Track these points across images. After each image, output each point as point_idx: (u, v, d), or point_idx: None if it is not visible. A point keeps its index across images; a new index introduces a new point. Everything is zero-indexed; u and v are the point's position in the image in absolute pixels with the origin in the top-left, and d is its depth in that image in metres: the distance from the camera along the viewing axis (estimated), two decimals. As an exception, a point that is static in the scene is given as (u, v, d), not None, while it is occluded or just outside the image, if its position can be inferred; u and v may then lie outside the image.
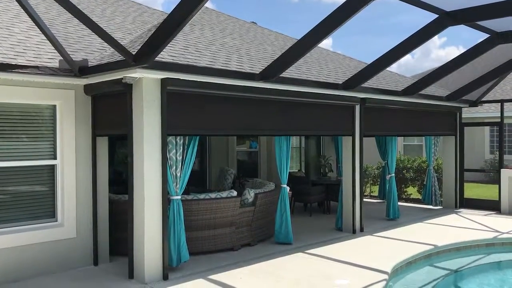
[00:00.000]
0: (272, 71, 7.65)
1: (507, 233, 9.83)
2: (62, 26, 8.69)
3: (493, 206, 12.73)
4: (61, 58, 7.02)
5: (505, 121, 14.60)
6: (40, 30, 6.98)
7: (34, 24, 7.14)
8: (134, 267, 6.74)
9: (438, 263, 8.27)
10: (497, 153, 17.14)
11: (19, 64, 6.54)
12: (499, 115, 13.09)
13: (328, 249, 8.42)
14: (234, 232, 8.40)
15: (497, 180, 13.00)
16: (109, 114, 7.27)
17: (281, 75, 7.84)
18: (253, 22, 14.91)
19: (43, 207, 7.14)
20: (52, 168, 7.20)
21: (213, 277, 6.81)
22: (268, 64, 7.86)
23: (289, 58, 7.49)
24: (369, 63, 9.29)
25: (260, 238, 8.98)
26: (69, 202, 7.23)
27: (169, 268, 6.89)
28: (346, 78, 9.50)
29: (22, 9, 7.20)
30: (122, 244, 7.37)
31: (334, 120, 9.53)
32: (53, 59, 7.16)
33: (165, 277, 6.71)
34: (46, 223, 7.08)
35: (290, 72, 8.55)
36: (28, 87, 6.79)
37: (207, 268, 7.22)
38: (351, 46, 71.58)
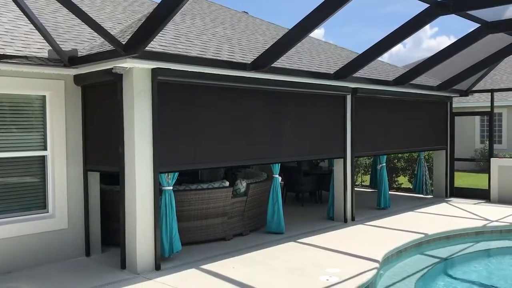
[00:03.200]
0: (264, 61, 7.62)
1: (496, 221, 9.94)
2: (51, 15, 8.59)
3: (483, 195, 12.86)
4: (50, 48, 6.94)
5: (495, 110, 14.70)
6: (29, 20, 6.89)
7: (22, 13, 7.05)
8: (126, 258, 6.74)
9: (429, 251, 8.36)
10: (487, 142, 17.27)
11: (8, 54, 6.46)
12: (489, 105, 13.18)
13: (319, 238, 8.47)
14: (226, 222, 8.42)
15: (487, 169, 13.12)
16: (100, 105, 7.22)
17: (272, 65, 7.82)
18: (244, 11, 14.83)
19: (34, 198, 7.11)
20: (43, 159, 7.16)
21: (205, 267, 6.83)
22: (260, 54, 7.83)
23: (281, 48, 7.47)
24: (360, 53, 9.29)
25: (252, 228, 9.02)
26: (60, 193, 7.20)
27: (162, 258, 6.90)
28: (338, 68, 9.50)
29: (10, -2, 7.10)
30: (115, 234, 7.37)
31: (326, 113, 9.53)
32: (42, 49, 7.08)
33: (157, 267, 6.72)
34: (37, 214, 7.05)
35: (281, 62, 8.53)
36: (17, 77, 6.72)
37: (199, 258, 7.24)
38: (344, 36, 71.56)
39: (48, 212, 7.16)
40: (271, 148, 8.49)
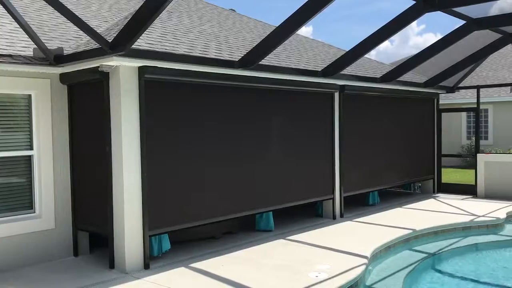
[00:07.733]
0: (252, 58, 7.61)
1: (483, 216, 10.05)
2: (36, 13, 8.50)
3: (469, 190, 13.00)
4: (36, 46, 6.87)
5: (481, 107, 14.84)
6: (13, 18, 6.80)
7: (6, 11, 6.96)
8: (115, 257, 6.70)
9: (417, 246, 8.41)
10: (474, 138, 17.42)
11: (-8, 52, 6.39)
12: (476, 101, 13.31)
13: (308, 235, 8.49)
14: (215, 220, 8.40)
15: (473, 165, 13.25)
16: (86, 103, 7.16)
17: (260, 63, 7.81)
18: (231, 9, 14.81)
19: (20, 199, 7.03)
20: (29, 158, 7.08)
21: (194, 265, 6.81)
22: (248, 51, 7.81)
23: (269, 45, 7.45)
24: (348, 50, 9.31)
25: (242, 226, 9.01)
26: (47, 193, 7.13)
27: (150, 258, 6.87)
28: (325, 66, 9.51)
29: (-7, -4, 6.99)
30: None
31: (314, 110, 9.55)
32: (27, 48, 7.01)
33: (146, 266, 6.69)
34: (23, 215, 6.97)
35: (269, 60, 8.52)
36: (1, 77, 6.63)
37: (188, 257, 7.22)
38: (332, 33, 71.78)
39: (35, 212, 7.09)
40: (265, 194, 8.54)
